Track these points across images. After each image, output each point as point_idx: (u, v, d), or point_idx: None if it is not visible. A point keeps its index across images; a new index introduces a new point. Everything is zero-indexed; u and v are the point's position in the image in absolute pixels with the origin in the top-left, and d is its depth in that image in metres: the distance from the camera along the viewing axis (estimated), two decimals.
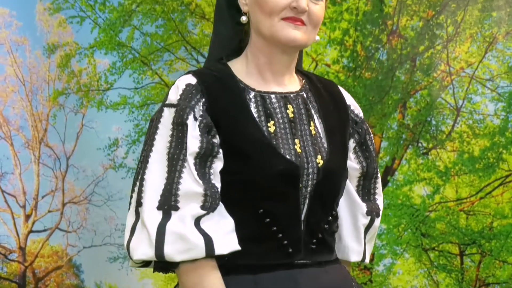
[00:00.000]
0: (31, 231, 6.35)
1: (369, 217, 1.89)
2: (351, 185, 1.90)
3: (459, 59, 6.11)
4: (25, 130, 6.31)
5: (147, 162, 1.71)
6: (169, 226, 1.64)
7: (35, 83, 6.34)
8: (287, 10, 1.75)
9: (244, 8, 1.81)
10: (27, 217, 6.34)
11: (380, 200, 1.95)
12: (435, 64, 6.11)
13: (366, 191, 1.93)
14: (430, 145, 6.19)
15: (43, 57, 6.34)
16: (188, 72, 1.82)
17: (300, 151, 1.77)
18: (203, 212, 1.65)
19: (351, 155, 1.89)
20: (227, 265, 1.70)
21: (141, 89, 6.43)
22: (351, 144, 1.89)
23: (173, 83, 1.79)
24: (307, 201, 1.76)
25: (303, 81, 1.88)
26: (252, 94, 1.80)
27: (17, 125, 6.30)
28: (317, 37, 1.83)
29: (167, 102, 1.76)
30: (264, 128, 1.77)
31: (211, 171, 1.71)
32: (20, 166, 6.29)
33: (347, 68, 6.13)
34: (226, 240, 1.66)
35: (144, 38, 6.34)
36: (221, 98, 1.78)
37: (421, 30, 6.10)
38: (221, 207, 1.69)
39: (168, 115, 1.74)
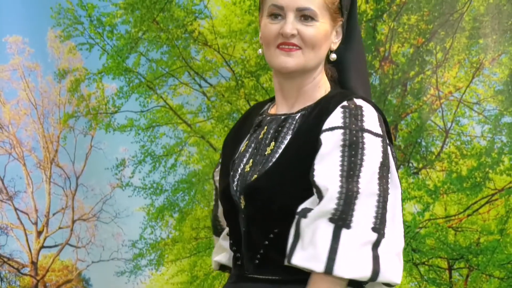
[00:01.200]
0: (42, 247, 6.39)
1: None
2: None
3: (447, 83, 6.23)
4: (37, 151, 6.40)
5: None
6: None
7: (47, 106, 6.44)
8: (279, 37, 1.78)
9: (260, 41, 1.87)
10: (39, 233, 6.39)
11: (322, 204, 1.66)
12: (425, 89, 6.19)
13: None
14: (420, 165, 6.26)
15: (54, 82, 6.41)
16: None
17: (247, 170, 1.80)
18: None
19: None
20: None
21: (147, 112, 6.43)
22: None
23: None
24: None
25: (314, 102, 1.83)
26: (261, 118, 1.89)
27: (30, 146, 6.38)
28: (333, 55, 1.83)
29: None
30: (238, 150, 1.88)
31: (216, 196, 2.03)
32: (32, 185, 6.34)
33: None
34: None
35: (150, 64, 6.40)
36: (237, 125, 1.97)
37: (412, 57, 6.21)
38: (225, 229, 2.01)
39: None
